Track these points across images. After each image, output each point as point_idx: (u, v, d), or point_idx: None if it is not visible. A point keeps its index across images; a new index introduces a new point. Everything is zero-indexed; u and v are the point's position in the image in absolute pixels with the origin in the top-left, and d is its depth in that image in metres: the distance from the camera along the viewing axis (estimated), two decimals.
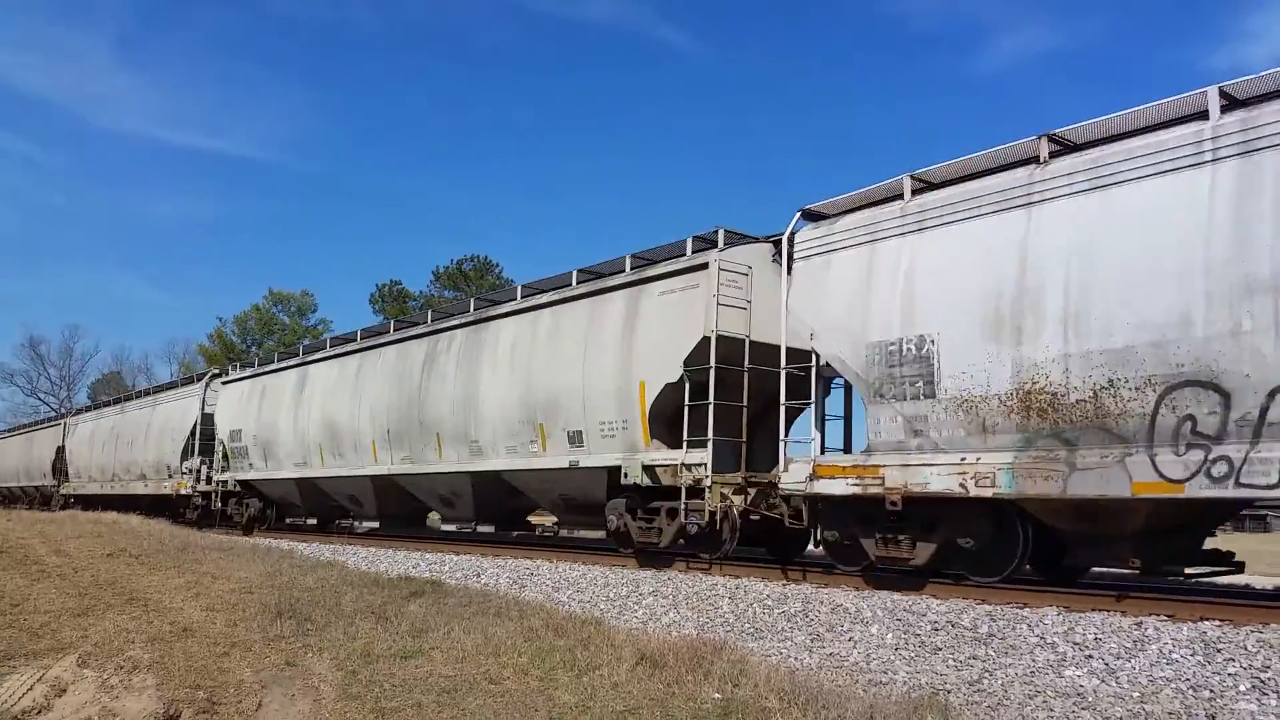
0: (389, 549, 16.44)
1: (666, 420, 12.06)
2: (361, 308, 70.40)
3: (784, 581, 10.22)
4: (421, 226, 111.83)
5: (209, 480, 24.23)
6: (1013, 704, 5.97)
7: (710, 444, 11.32)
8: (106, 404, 34.75)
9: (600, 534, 13.70)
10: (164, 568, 12.57)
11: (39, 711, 5.49)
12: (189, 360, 72.62)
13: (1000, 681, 6.39)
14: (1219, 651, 6.33)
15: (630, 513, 12.54)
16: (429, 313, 18.68)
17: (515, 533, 18.17)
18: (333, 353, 20.22)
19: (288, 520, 23.01)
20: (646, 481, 12.07)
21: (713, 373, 11.32)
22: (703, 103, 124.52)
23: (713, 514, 11.24)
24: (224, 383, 24.73)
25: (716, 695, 5.84)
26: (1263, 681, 5.80)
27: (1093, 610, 7.74)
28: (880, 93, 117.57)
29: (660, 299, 12.32)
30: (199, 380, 26.38)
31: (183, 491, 24.87)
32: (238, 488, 23.21)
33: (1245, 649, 6.29)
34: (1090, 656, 6.59)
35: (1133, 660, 6.42)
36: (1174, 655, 6.39)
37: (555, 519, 16.95)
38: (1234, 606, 7.64)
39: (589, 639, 7.42)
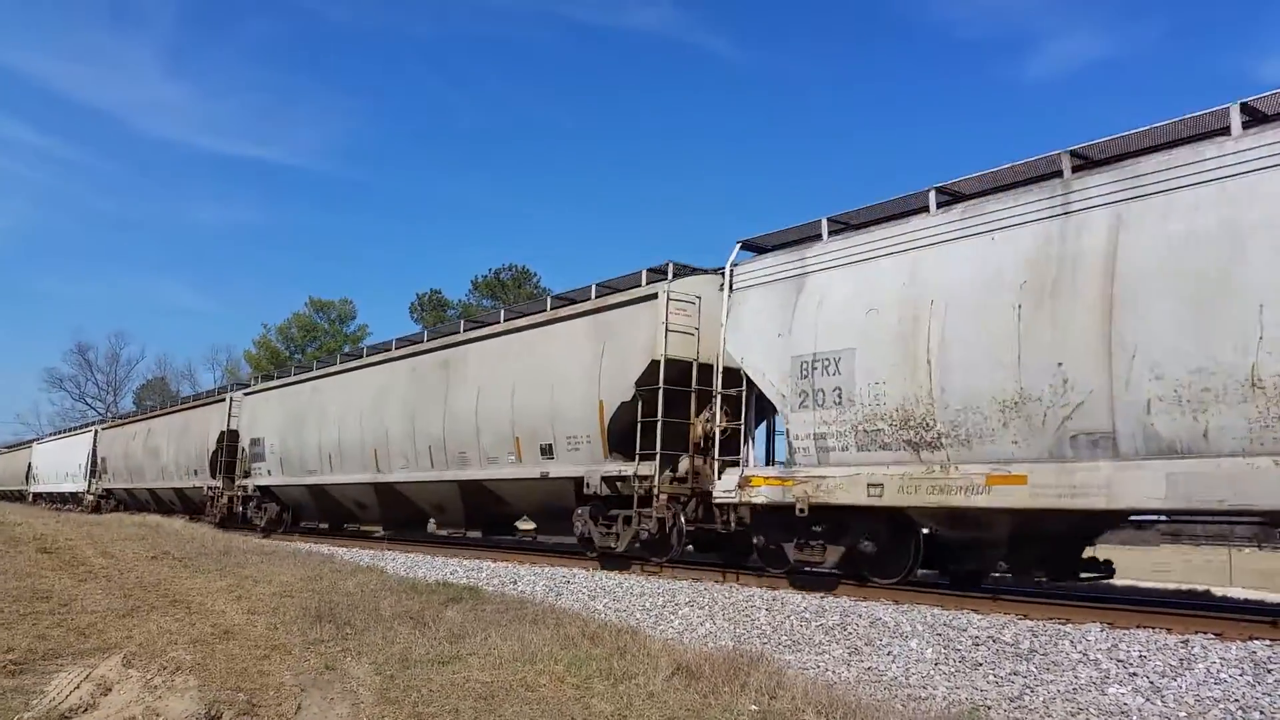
0: (427, 554, 16.55)
1: (621, 435, 12.68)
2: (401, 316, 71.14)
3: (821, 594, 10.15)
4: (462, 234, 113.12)
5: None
6: None
7: (658, 458, 11.93)
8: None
9: (572, 539, 14.30)
10: (206, 571, 12.76)
11: (85, 709, 5.57)
12: (232, 366, 73.82)
13: (1042, 698, 6.29)
14: (1269, 672, 6.18)
15: (593, 519, 13.10)
16: (425, 333, 19.64)
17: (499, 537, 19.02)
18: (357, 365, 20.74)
19: (302, 524, 24.49)
20: (606, 491, 12.71)
21: (661, 392, 11.89)
22: (745, 112, 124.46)
23: (661, 520, 11.80)
24: (246, 394, 26.19)
25: (753, 707, 5.80)
26: None
27: (1137, 627, 7.59)
28: (925, 99, 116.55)
29: (614, 326, 13.03)
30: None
31: None
32: (257, 493, 24.72)
33: None
34: (1135, 674, 6.46)
35: (1179, 679, 6.28)
36: (1222, 675, 6.25)
37: (534, 525, 17.92)
38: None
39: (625, 648, 7.40)
